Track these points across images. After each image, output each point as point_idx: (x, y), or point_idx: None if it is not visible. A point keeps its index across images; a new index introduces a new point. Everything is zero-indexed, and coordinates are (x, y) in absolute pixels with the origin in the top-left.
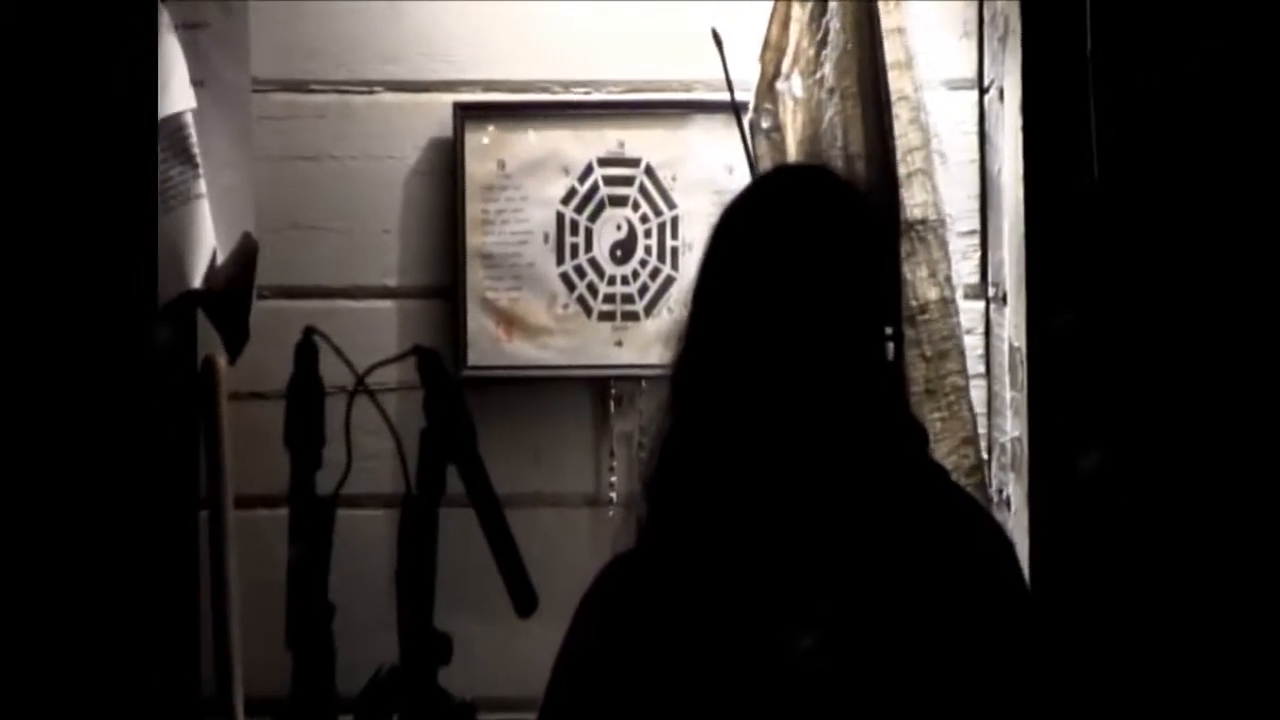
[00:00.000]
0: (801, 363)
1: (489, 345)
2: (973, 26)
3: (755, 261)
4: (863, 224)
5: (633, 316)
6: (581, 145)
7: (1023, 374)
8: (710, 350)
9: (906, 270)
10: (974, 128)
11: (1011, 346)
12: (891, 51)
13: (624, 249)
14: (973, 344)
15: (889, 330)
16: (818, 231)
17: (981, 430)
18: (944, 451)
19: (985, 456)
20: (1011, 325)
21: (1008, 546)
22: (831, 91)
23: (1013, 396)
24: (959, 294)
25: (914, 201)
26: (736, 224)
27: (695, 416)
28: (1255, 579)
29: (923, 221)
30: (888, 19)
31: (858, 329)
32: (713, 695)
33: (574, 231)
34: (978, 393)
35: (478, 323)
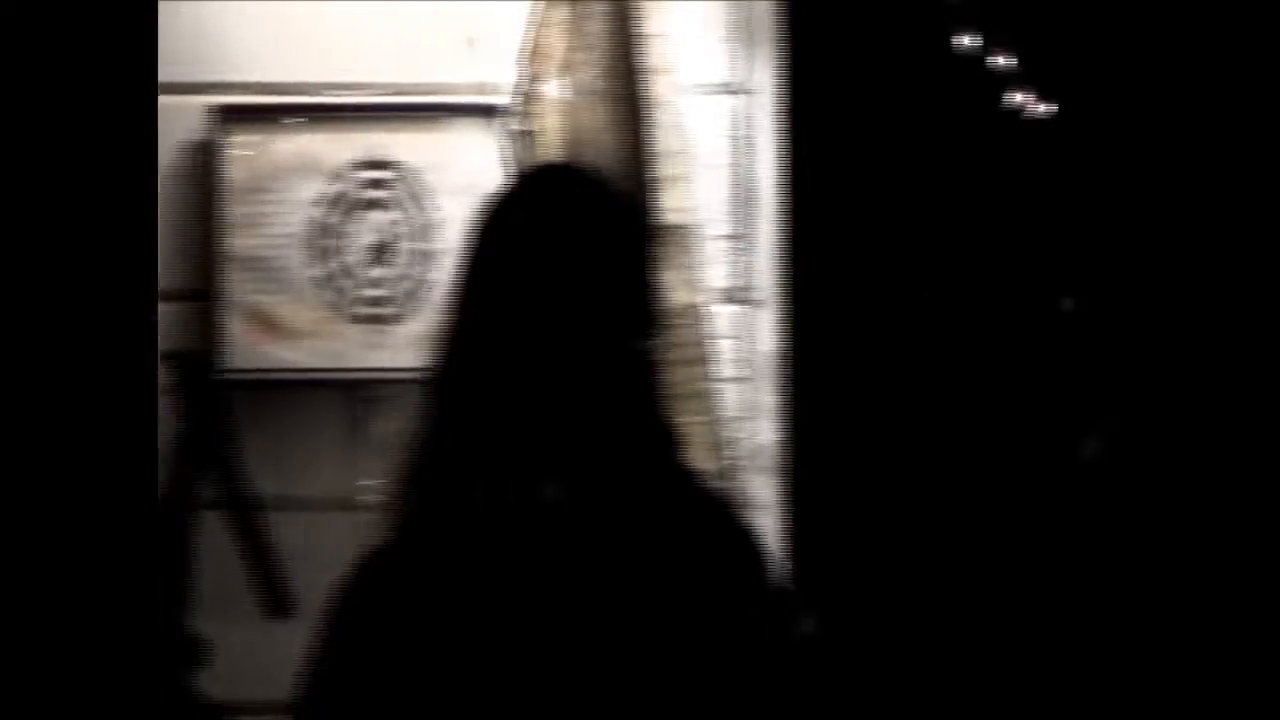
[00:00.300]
0: (556, 364)
1: (245, 348)
2: (729, 31)
3: (510, 263)
4: (619, 225)
5: (389, 320)
6: (341, 148)
7: (777, 378)
8: (465, 352)
9: (659, 275)
10: (730, 132)
11: (767, 351)
12: (650, 56)
13: (381, 252)
14: (728, 348)
15: (647, 331)
16: (574, 232)
17: (738, 434)
18: (694, 456)
19: (737, 461)
20: (767, 329)
21: (757, 550)
22: (590, 95)
23: (767, 401)
24: (713, 299)
25: (668, 206)
26: (492, 225)
27: (450, 418)
28: (999, 575)
29: (676, 226)
30: (644, 23)
31: (611, 329)
32: (460, 684)
33: (331, 234)
34: (732, 395)
35: (236, 326)
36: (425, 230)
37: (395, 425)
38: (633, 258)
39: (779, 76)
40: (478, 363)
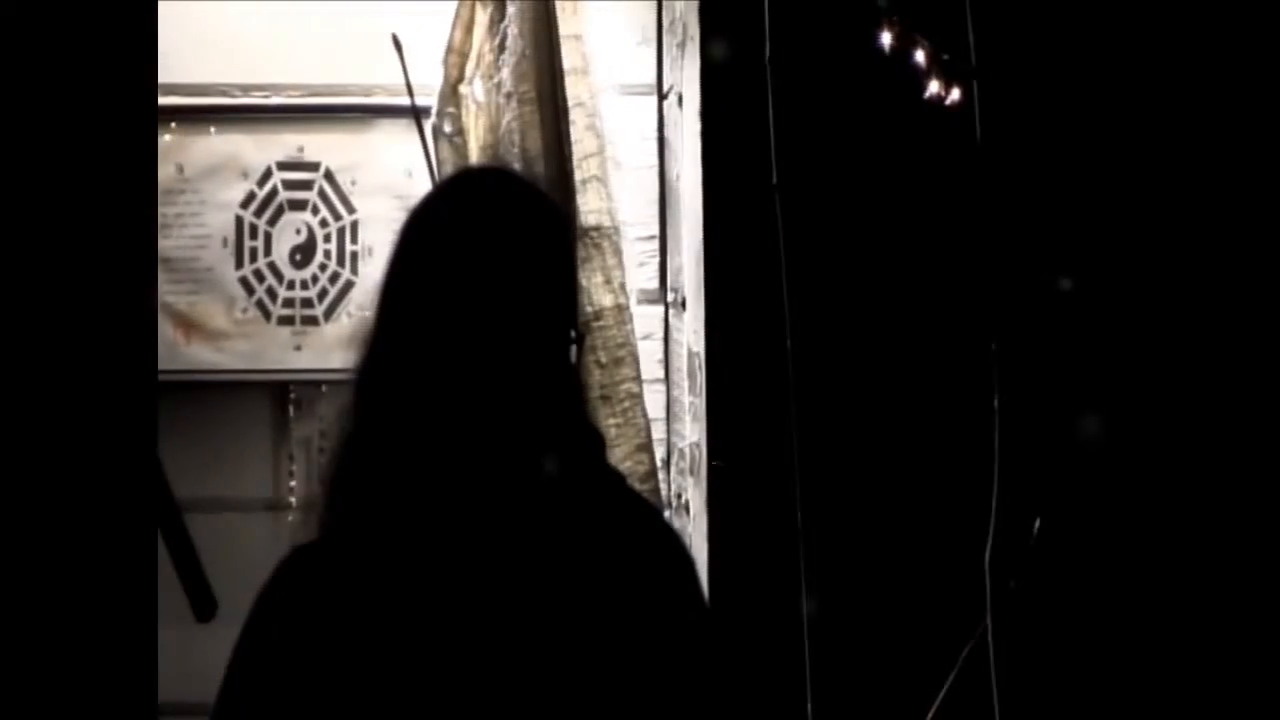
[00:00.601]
0: (481, 365)
1: (167, 349)
2: (652, 33)
3: (437, 264)
4: (543, 226)
5: (312, 321)
6: (261, 149)
7: (702, 379)
8: (392, 352)
9: (582, 277)
10: (653, 133)
11: (690, 351)
12: (568, 57)
13: (303, 253)
14: (652, 349)
15: (571, 333)
16: (499, 234)
17: (660, 435)
18: (619, 457)
19: (661, 462)
20: (690, 330)
21: (682, 552)
22: (510, 96)
23: (691, 401)
24: (636, 300)
25: (589, 208)
26: (419, 227)
27: (376, 418)
28: (935, 580)
29: (597, 228)
30: (565, 25)
31: (538, 331)
32: (382, 691)
33: (253, 235)
34: (657, 398)
35: (159, 327)
36: (346, 231)
37: (320, 427)
38: (556, 260)
39: (701, 78)
40: (402, 364)
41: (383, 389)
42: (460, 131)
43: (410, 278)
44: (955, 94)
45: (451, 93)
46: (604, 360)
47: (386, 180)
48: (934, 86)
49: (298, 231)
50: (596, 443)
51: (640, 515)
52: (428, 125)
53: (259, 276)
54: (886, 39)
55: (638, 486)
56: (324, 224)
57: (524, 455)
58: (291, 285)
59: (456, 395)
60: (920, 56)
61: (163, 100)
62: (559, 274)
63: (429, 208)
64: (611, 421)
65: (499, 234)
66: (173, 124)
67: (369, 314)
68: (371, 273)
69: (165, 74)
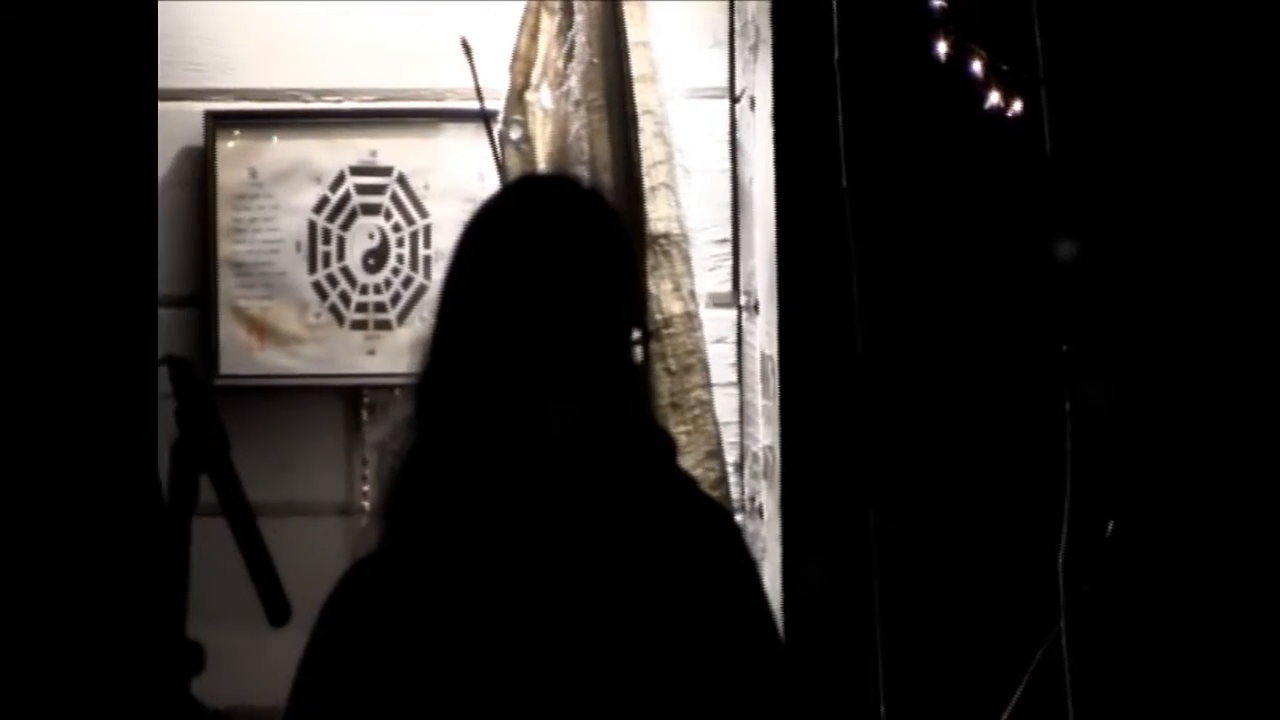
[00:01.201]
0: (543, 371)
1: (240, 354)
2: (723, 35)
3: (499, 269)
4: (607, 232)
5: (385, 325)
6: (333, 154)
7: (774, 382)
8: (454, 359)
9: (650, 284)
10: (726, 137)
11: (763, 355)
12: (637, 65)
13: (376, 257)
14: (725, 353)
15: (636, 334)
16: (563, 239)
17: (733, 439)
18: (689, 464)
19: (733, 466)
20: (763, 333)
21: (749, 563)
22: (578, 104)
23: (764, 405)
24: (708, 304)
25: (657, 215)
26: (481, 232)
27: (439, 426)
28: (1008, 597)
29: (666, 235)
30: (633, 31)
31: (603, 336)
32: (453, 699)
33: (326, 240)
34: (730, 401)
35: (229, 331)
36: (419, 235)
37: (388, 432)
38: (621, 262)
39: (773, 81)
40: (466, 370)
41: (443, 397)
42: (527, 138)
43: (470, 284)
44: (1017, 105)
45: (518, 100)
46: (674, 368)
47: (459, 184)
48: (994, 97)
49: (371, 236)
50: (665, 449)
51: (711, 521)
52: (496, 131)
53: (332, 281)
54: (942, 49)
55: (709, 493)
56: (397, 228)
57: (591, 463)
58: (365, 290)
59: (518, 403)
60: (977, 67)
61: (234, 106)
62: (621, 279)
63: (489, 213)
64: (681, 429)
65: (560, 239)
66: (244, 130)
67: (431, 320)
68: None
69: (236, 80)
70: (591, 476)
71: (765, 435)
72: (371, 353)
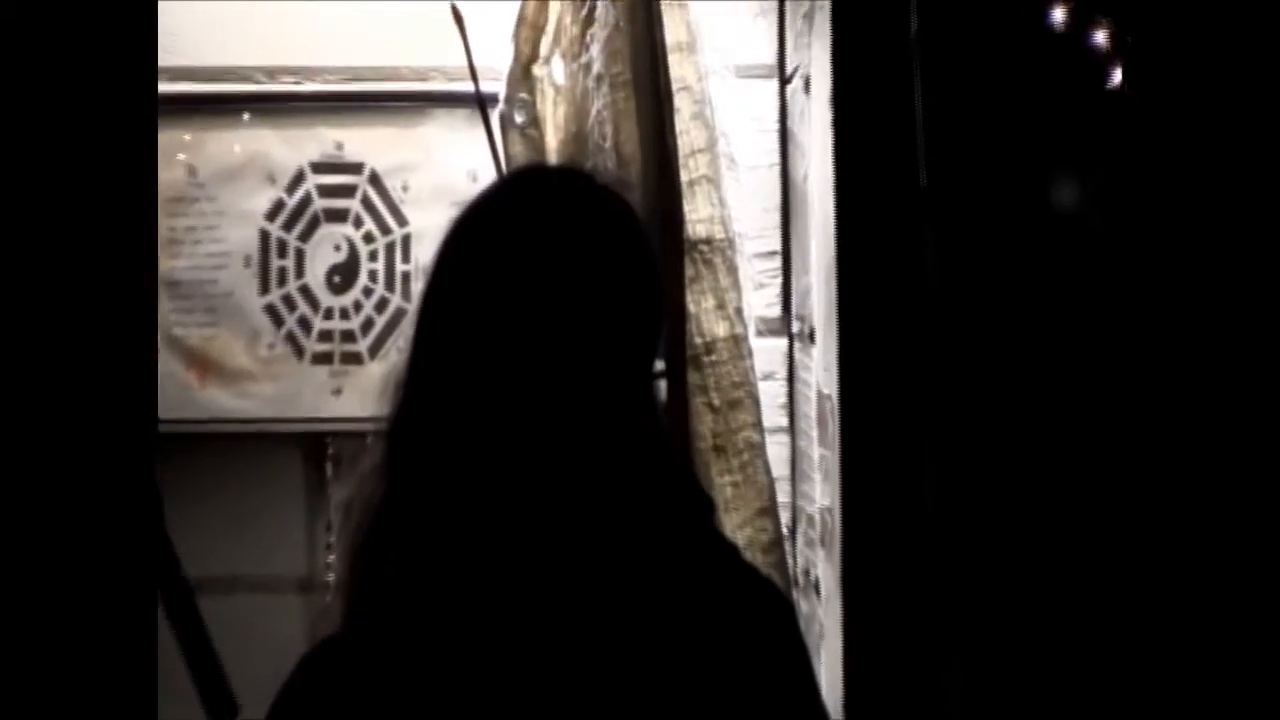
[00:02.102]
0: (549, 411)
1: (178, 393)
2: (772, 3)
3: (491, 285)
4: (629, 240)
5: (354, 358)
6: (291, 147)
7: (834, 427)
8: (434, 396)
9: (689, 301)
10: (774, 125)
11: (821, 394)
12: (672, 31)
13: (343, 275)
14: (774, 391)
15: (658, 368)
16: (573, 249)
17: (783, 498)
18: (736, 523)
19: (787, 530)
20: (821, 368)
21: (802, 653)
22: (600, 79)
23: (822, 455)
24: (753, 329)
25: (698, 216)
26: (470, 240)
27: (415, 479)
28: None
29: (708, 241)
30: None
31: (621, 370)
32: None
33: (282, 253)
34: (780, 451)
35: (164, 366)
36: (396, 247)
37: (356, 488)
38: (643, 283)
39: (833, 57)
40: (447, 410)
41: (420, 443)
42: (535, 122)
43: (454, 304)
44: (1139, 85)
45: (524, 74)
46: (717, 403)
47: (445, 184)
48: (1118, 75)
49: (337, 248)
50: (703, 507)
51: (755, 599)
52: (495, 115)
53: (289, 304)
54: (1059, 16)
55: (758, 560)
56: (369, 239)
57: (604, 525)
58: (329, 314)
59: (513, 451)
60: (1101, 38)
61: (170, 87)
62: (644, 299)
63: (480, 215)
64: (727, 479)
65: (569, 249)
66: (183, 118)
67: (408, 349)
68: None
69: (174, 57)
70: (604, 543)
71: (823, 494)
72: (338, 392)
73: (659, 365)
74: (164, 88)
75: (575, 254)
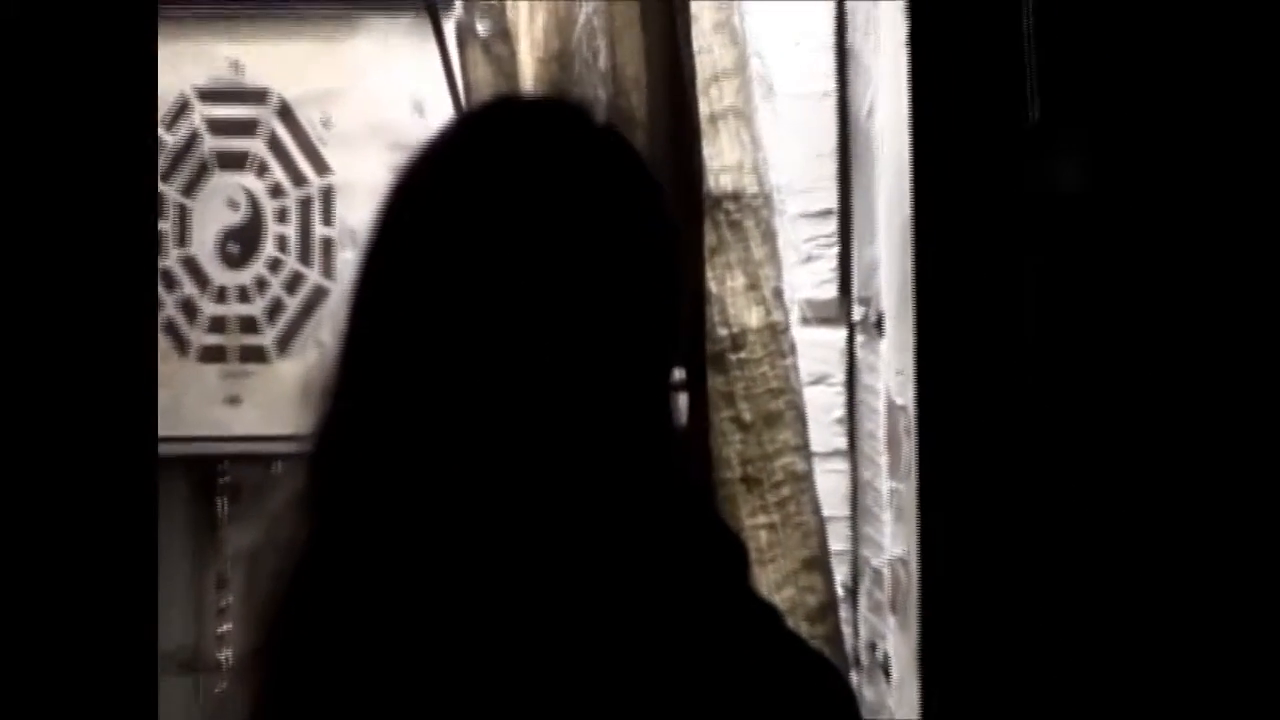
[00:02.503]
0: (527, 435)
1: None
2: None
3: (452, 262)
4: (641, 201)
5: (257, 355)
6: (169, 69)
7: (910, 450)
8: (375, 409)
9: (710, 279)
10: (828, 40)
11: (892, 405)
12: None
13: (242, 242)
14: (826, 402)
15: (677, 376)
16: (561, 213)
17: (839, 546)
18: (772, 581)
19: (843, 590)
20: (893, 371)
21: None
22: None
23: (893, 489)
24: (798, 317)
25: (722, 163)
26: (421, 199)
27: (349, 520)
28: None
29: (736, 197)
30: None
31: (628, 382)
32: None
33: (165, 213)
34: (834, 482)
35: None
36: (314, 204)
37: (266, 531)
38: (657, 255)
39: None
40: (394, 428)
41: (356, 471)
42: (504, 34)
43: (400, 284)
44: None
45: None
46: (749, 417)
47: (381, 119)
48: None
49: (233, 205)
50: (731, 554)
51: (804, 682)
52: (449, 25)
53: (168, 281)
54: None
55: (805, 631)
56: (277, 192)
57: (604, 589)
58: (222, 295)
59: (479, 484)
60: None
61: None
62: (653, 276)
63: (430, 168)
64: (761, 520)
65: (551, 207)
66: None
67: (338, 341)
68: (350, 272)
69: None
70: (602, 612)
71: (895, 539)
72: (234, 400)
73: (678, 372)
74: None
75: (562, 217)
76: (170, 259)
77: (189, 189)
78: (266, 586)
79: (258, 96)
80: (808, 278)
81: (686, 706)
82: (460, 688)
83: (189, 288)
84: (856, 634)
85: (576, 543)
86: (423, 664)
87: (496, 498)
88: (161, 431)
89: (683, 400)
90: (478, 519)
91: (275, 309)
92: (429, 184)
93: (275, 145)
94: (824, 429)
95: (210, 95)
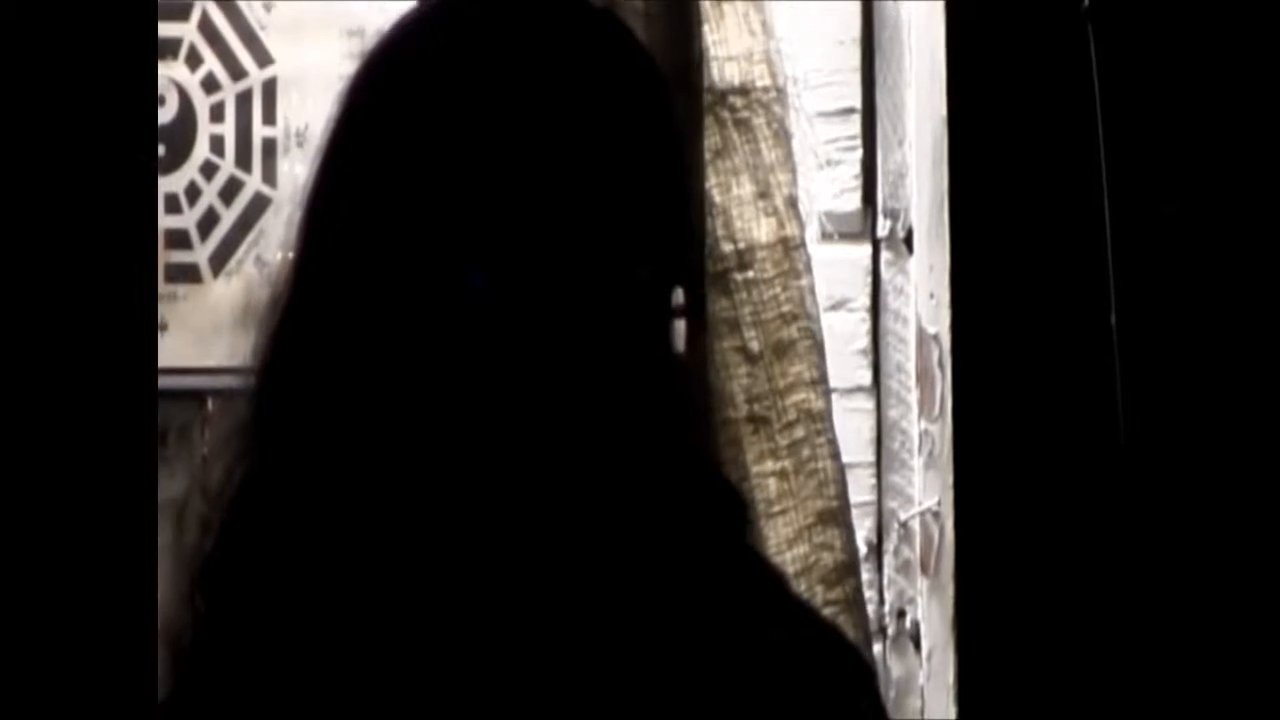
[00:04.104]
0: (503, 364)
1: None
2: None
3: (422, 166)
4: (640, 94)
5: (188, 274)
6: None
7: (943, 385)
8: (329, 334)
9: (713, 186)
10: None
11: (924, 334)
12: None
13: (172, 143)
14: (848, 330)
15: (678, 298)
16: (548, 109)
17: (863, 497)
18: (783, 538)
19: (866, 547)
20: (924, 294)
21: None
22: None
23: (925, 431)
24: (816, 232)
25: (727, 51)
26: (386, 94)
27: (296, 459)
28: None
29: (743, 90)
30: None
31: (620, 304)
32: None
33: None
34: (857, 422)
35: None
36: (255, 99)
37: (198, 476)
38: (659, 156)
39: None
40: (350, 355)
41: (305, 405)
42: None
43: (361, 192)
44: None
45: None
46: (756, 347)
47: (331, 2)
48: None
49: (160, 100)
50: (730, 511)
51: (815, 659)
52: None
53: None
54: None
55: (819, 597)
56: (211, 86)
57: (583, 543)
58: None
59: (446, 420)
60: None
61: None
62: (657, 186)
63: (395, 54)
64: (769, 466)
65: (534, 109)
66: None
67: (286, 259)
68: (301, 181)
69: None
70: (580, 571)
71: (926, 489)
72: (160, 327)
73: (678, 296)
74: None
75: (552, 112)
76: None
77: None
78: (194, 539)
79: None
80: (827, 187)
81: (669, 694)
82: (414, 643)
83: None
84: (881, 599)
85: (543, 487)
86: (375, 620)
87: (464, 435)
88: None
89: (681, 326)
90: (443, 459)
91: (209, 221)
92: (398, 73)
93: (209, 31)
94: (844, 361)
95: None
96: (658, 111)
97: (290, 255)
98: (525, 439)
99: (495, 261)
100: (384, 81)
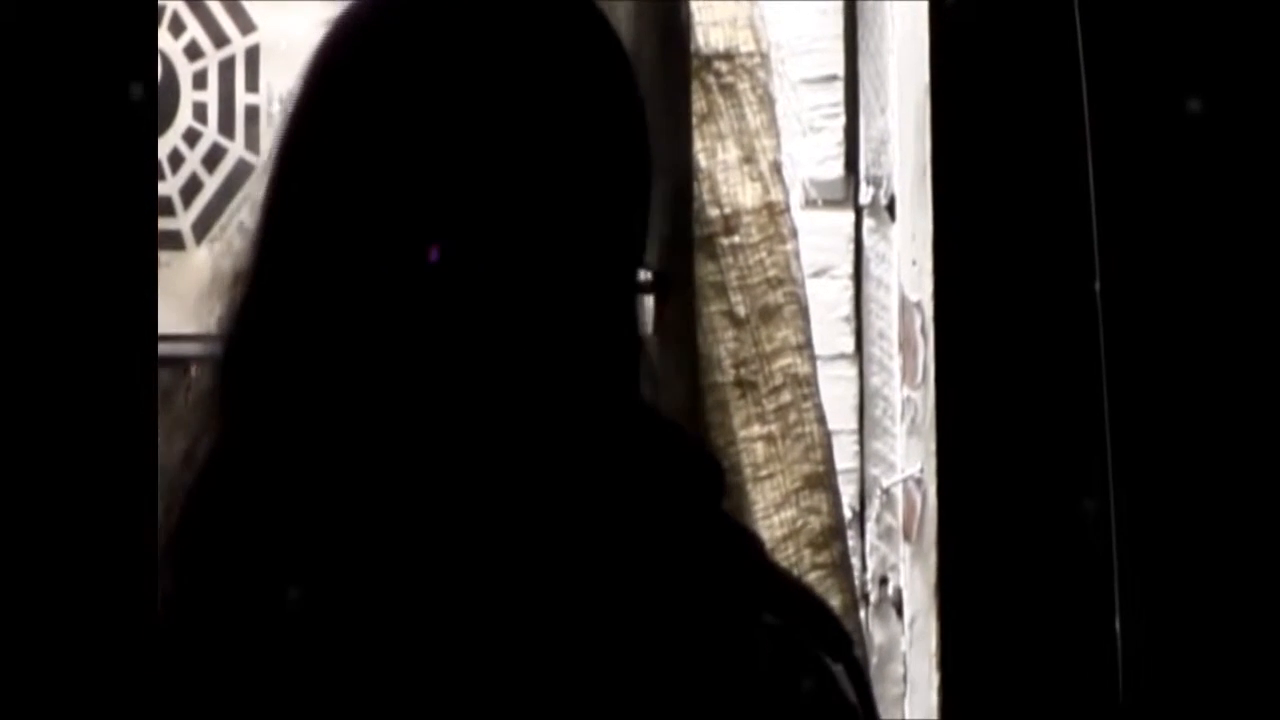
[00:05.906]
0: (468, 334)
1: None
2: None
3: (388, 134)
4: (592, 66)
5: (171, 241)
6: None
7: (926, 354)
8: (295, 301)
9: (699, 151)
10: None
11: (905, 301)
12: None
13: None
14: (832, 296)
15: (643, 276)
16: (514, 78)
17: (850, 464)
18: (769, 502)
19: (851, 513)
20: (906, 261)
21: (870, 713)
22: None
23: (908, 397)
24: (800, 198)
25: (713, 16)
26: (355, 59)
27: (261, 427)
28: None
29: (728, 56)
30: None
31: (578, 265)
32: None
33: None
34: (842, 390)
35: None
36: (237, 67)
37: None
38: (615, 124)
39: None
40: (317, 323)
41: (271, 371)
42: None
43: (328, 160)
44: None
45: None
46: (743, 312)
47: None
48: None
49: None
50: (705, 477)
51: (800, 629)
52: None
53: None
54: None
55: (805, 562)
56: (194, 53)
57: (550, 514)
58: None
59: (412, 386)
60: None
61: None
62: (615, 160)
63: (364, 21)
64: (756, 430)
65: (500, 77)
66: None
67: (255, 225)
68: (268, 147)
69: None
70: (547, 541)
71: (909, 455)
72: None
73: (643, 273)
74: None
75: (511, 87)
76: None
77: None
78: (166, 503)
79: None
80: (812, 153)
81: (642, 665)
82: (381, 616)
83: None
84: (864, 566)
85: (507, 460)
86: (341, 594)
87: (428, 406)
88: None
89: (649, 304)
90: (406, 432)
91: (192, 188)
92: (360, 45)
93: None
94: (827, 329)
95: None
96: (620, 86)
97: (254, 225)
98: (485, 409)
99: (455, 234)
100: (346, 53)
